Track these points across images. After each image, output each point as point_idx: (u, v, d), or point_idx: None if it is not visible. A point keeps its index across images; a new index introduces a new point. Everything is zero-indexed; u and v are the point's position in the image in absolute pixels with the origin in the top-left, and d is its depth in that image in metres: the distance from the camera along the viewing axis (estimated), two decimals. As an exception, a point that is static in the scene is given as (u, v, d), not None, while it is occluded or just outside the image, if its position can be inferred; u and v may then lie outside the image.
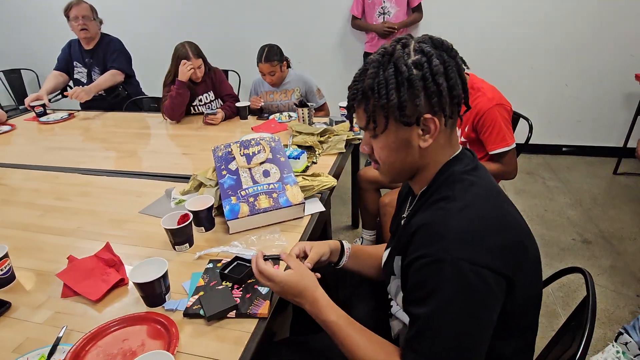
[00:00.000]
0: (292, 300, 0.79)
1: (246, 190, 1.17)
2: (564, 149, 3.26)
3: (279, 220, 1.17)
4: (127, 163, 1.74)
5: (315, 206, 1.25)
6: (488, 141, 1.60)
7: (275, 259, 0.88)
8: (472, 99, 1.59)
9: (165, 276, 0.86)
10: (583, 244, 2.18)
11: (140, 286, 0.85)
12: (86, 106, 2.73)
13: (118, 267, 1.00)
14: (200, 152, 1.81)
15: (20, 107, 3.79)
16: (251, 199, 1.15)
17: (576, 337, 0.74)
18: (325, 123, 2.00)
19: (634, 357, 1.36)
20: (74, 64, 2.74)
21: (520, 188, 2.81)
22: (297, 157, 1.47)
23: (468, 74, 1.63)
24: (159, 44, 3.57)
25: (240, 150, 1.28)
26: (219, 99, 2.40)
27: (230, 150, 1.29)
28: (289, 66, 2.35)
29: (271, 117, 2.20)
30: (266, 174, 1.22)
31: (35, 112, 2.49)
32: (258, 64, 2.21)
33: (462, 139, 1.69)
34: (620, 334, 1.43)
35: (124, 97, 2.75)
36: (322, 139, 1.71)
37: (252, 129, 2.06)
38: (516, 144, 1.62)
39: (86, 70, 2.73)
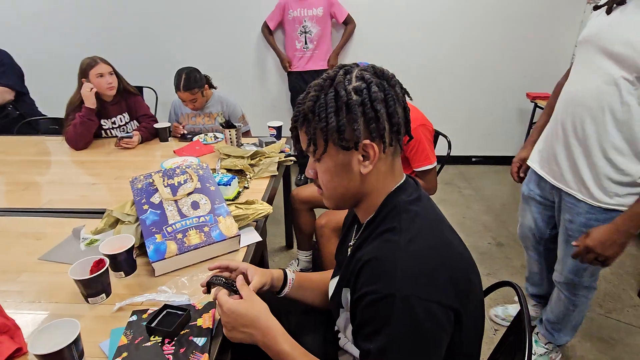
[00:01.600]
0: (242, 331, 0.74)
1: (173, 226, 1.05)
2: (473, 159, 3.59)
3: (213, 255, 1.07)
4: (20, 198, 1.48)
5: (251, 236, 1.17)
6: (413, 159, 1.68)
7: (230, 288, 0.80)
8: None
9: (76, 341, 0.72)
10: (497, 247, 2.39)
11: (44, 358, 0.70)
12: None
13: (12, 333, 0.82)
14: (113, 181, 1.62)
15: None
16: (179, 236, 1.03)
17: (516, 353, 0.77)
18: (254, 144, 1.93)
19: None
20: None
21: (442, 198, 3.01)
22: (227, 184, 1.38)
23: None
24: (62, 58, 3.20)
25: (164, 181, 1.16)
26: (135, 121, 2.19)
27: (151, 181, 1.16)
28: (211, 86, 2.24)
29: (195, 138, 2.07)
30: (195, 205, 1.12)
31: None
32: (176, 91, 2.06)
33: None
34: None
35: (15, 118, 2.38)
36: (253, 161, 1.64)
37: (174, 152, 1.91)
38: (438, 157, 1.73)
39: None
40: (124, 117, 2.15)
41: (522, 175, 1.49)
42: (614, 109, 0.99)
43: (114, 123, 2.12)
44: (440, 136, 1.98)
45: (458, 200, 2.98)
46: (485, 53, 3.20)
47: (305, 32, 2.97)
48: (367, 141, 0.66)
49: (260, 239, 1.17)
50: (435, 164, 1.71)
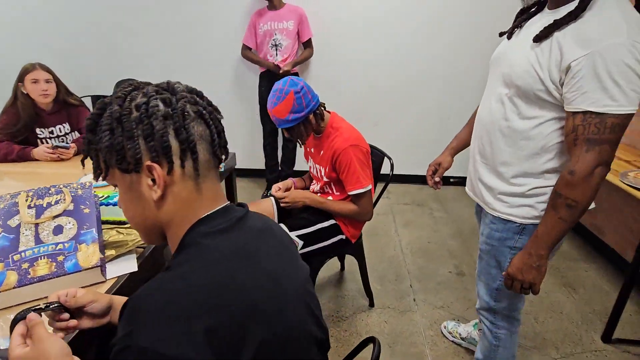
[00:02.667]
0: None
1: (22, 254, 0.94)
2: (451, 179, 3.43)
3: (70, 288, 0.95)
4: None
5: (127, 266, 1.06)
6: (346, 182, 1.57)
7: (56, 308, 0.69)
8: (330, 138, 1.58)
9: None
10: (458, 276, 2.23)
11: None
12: None
13: None
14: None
15: None
16: (25, 265, 0.92)
17: None
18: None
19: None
20: None
21: (409, 220, 2.86)
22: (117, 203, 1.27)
23: (329, 112, 1.60)
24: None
25: (31, 201, 1.05)
26: (77, 132, 2.11)
27: (17, 200, 1.05)
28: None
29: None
30: (58, 230, 1.01)
31: None
32: None
33: (325, 179, 1.64)
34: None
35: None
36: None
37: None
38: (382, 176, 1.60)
39: None
40: (63, 127, 2.07)
41: (437, 179, 1.48)
42: (501, 125, 1.05)
43: (51, 132, 2.04)
44: (384, 157, 1.85)
45: (426, 223, 2.82)
46: (464, 69, 3.08)
47: (276, 45, 2.90)
48: (149, 162, 0.57)
49: (136, 269, 1.05)
50: (370, 187, 1.58)
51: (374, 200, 1.74)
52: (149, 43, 3.27)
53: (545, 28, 0.91)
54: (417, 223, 2.83)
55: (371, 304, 1.99)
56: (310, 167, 1.76)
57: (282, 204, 1.66)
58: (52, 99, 1.96)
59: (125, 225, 1.17)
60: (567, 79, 0.87)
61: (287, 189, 1.72)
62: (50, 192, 1.09)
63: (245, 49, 3.02)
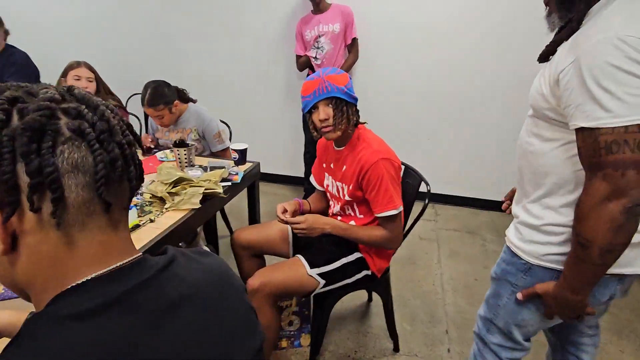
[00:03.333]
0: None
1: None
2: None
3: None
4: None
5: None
6: (375, 202, 1.33)
7: None
8: (357, 151, 1.36)
9: None
10: (507, 327, 1.86)
11: None
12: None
13: None
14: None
15: None
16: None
17: None
18: (203, 167, 1.70)
19: None
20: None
21: (456, 250, 2.52)
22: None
23: (362, 124, 1.39)
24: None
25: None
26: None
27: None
28: (186, 100, 2.09)
29: (159, 153, 1.92)
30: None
31: None
32: (142, 106, 1.93)
33: (347, 198, 1.42)
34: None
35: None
36: (174, 189, 1.41)
37: (123, 167, 1.77)
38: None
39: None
40: (99, 124, 2.08)
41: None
42: (525, 147, 0.95)
43: (87, 130, 2.06)
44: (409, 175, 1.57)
45: (476, 256, 2.46)
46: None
47: (317, 48, 2.74)
48: None
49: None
50: (401, 208, 1.34)
51: (405, 224, 1.51)
52: (197, 51, 3.29)
53: (547, 45, 0.85)
54: (465, 254, 2.47)
55: (396, 349, 1.72)
56: (327, 186, 1.55)
57: (297, 233, 1.39)
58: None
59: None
60: (560, 92, 0.78)
61: (294, 213, 1.49)
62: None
63: (298, 58, 2.90)
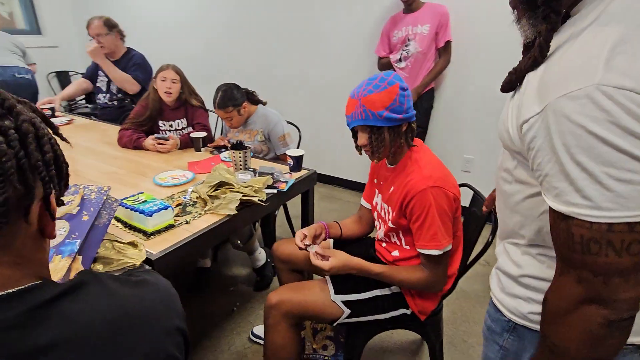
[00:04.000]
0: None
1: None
2: None
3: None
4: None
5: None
6: (417, 235, 1.14)
7: None
8: (406, 172, 1.17)
9: None
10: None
11: None
12: (102, 113, 2.87)
13: None
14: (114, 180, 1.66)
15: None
16: None
17: None
18: (253, 172, 1.67)
19: None
20: (98, 73, 2.90)
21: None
22: (150, 213, 1.19)
23: (415, 143, 1.20)
24: (189, 61, 3.69)
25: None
26: (192, 127, 2.26)
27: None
28: (256, 102, 2.10)
29: (224, 153, 1.98)
30: (50, 234, 0.98)
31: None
32: (214, 107, 2.01)
33: (391, 225, 1.24)
34: None
35: (130, 110, 2.82)
36: (215, 192, 1.41)
37: (187, 164, 1.85)
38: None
39: (106, 80, 2.86)
40: (181, 121, 2.24)
41: None
42: (498, 183, 0.73)
43: (171, 126, 2.23)
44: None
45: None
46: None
47: (404, 51, 2.53)
48: None
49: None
50: (448, 248, 1.12)
51: (468, 257, 1.29)
52: (281, 54, 3.35)
53: (510, 71, 0.62)
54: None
55: (441, 403, 1.47)
56: (375, 204, 1.37)
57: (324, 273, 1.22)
58: (174, 97, 2.14)
59: (124, 241, 1.08)
60: (525, 148, 0.57)
61: (316, 238, 1.33)
62: (70, 190, 1.09)
63: (380, 60, 2.75)
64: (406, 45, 2.51)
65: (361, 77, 3.07)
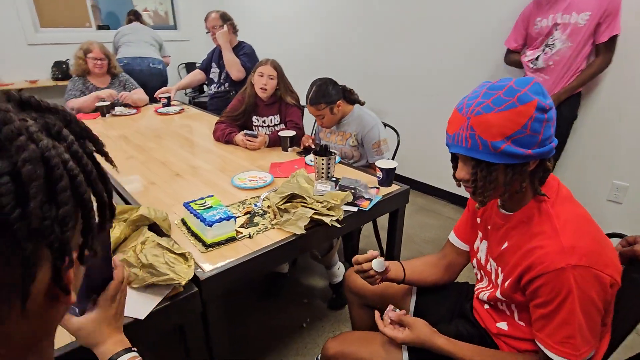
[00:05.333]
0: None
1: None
2: None
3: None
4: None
5: (144, 306, 0.87)
6: (539, 324, 0.78)
7: None
8: (531, 233, 0.81)
9: None
10: None
11: None
12: (210, 103, 3.01)
13: None
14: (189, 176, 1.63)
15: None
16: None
17: None
18: (334, 182, 1.46)
19: None
20: (212, 65, 3.04)
21: None
22: (210, 223, 1.08)
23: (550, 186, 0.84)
24: (296, 55, 3.64)
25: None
26: (284, 125, 2.17)
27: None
28: (353, 102, 1.88)
29: (307, 156, 1.82)
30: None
31: (162, 103, 2.88)
32: (305, 103, 1.84)
33: (499, 296, 0.90)
34: None
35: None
36: (285, 205, 1.23)
37: (270, 164, 1.74)
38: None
39: (218, 71, 2.98)
40: (275, 118, 2.16)
41: None
42: None
43: (264, 122, 2.16)
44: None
45: None
46: None
47: (546, 46, 2.01)
48: None
49: (142, 317, 0.84)
50: (591, 355, 0.74)
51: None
52: (383, 46, 3.03)
53: None
54: None
55: None
56: (476, 249, 1.03)
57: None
58: (269, 93, 2.06)
59: (176, 252, 0.97)
60: None
61: (366, 272, 1.01)
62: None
63: (509, 53, 2.27)
64: (550, 39, 1.99)
65: (480, 74, 2.65)
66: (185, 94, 4.89)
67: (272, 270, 2.04)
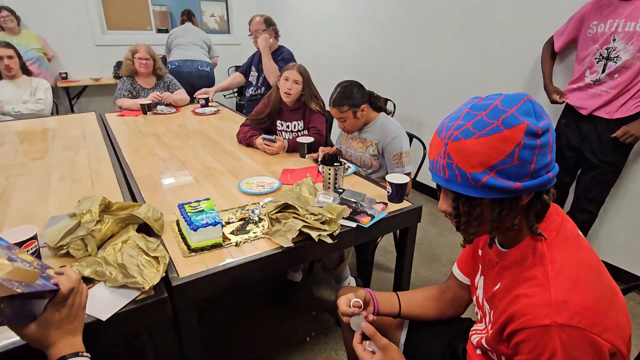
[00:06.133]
0: None
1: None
2: None
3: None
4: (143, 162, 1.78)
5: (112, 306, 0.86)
6: None
7: None
8: (521, 278, 0.69)
9: None
10: None
11: None
12: (247, 105, 3.06)
13: None
14: (207, 169, 1.64)
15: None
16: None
17: None
18: (338, 194, 1.38)
19: None
20: (251, 68, 3.09)
21: None
22: (196, 227, 1.06)
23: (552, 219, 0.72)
24: (332, 60, 3.57)
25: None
26: (307, 131, 2.12)
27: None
28: (379, 109, 1.78)
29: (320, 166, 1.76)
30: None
31: (200, 104, 2.98)
32: (329, 104, 1.78)
33: (485, 345, 0.78)
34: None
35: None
36: (280, 214, 1.18)
37: (282, 170, 1.70)
38: None
39: (257, 75, 3.02)
40: (298, 123, 2.12)
41: None
42: None
43: (287, 127, 2.14)
44: None
45: None
46: None
47: (607, 59, 1.77)
48: None
49: (104, 317, 0.84)
50: None
51: None
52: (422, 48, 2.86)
53: None
54: None
55: None
56: (476, 285, 0.89)
57: None
58: (293, 99, 2.04)
59: (151, 254, 0.96)
60: None
61: (358, 307, 0.89)
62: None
63: (549, 44, 2.05)
64: (608, 50, 1.76)
65: (518, 83, 2.41)
66: (225, 97, 5.04)
67: (285, 278, 2.00)
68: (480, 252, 0.89)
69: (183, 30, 4.00)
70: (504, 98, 0.63)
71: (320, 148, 1.83)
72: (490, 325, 0.78)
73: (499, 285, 0.75)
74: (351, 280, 1.83)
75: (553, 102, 2.02)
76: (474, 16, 2.57)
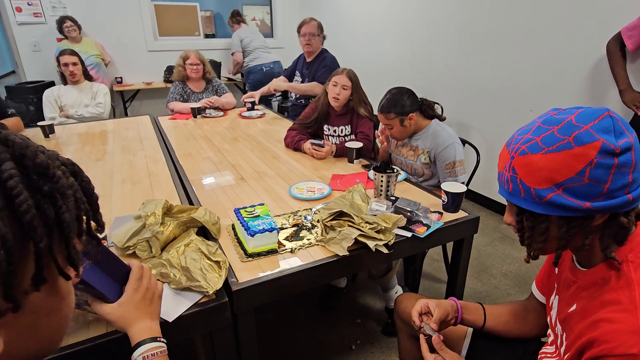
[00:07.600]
0: None
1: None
2: None
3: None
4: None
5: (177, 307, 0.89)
6: None
7: None
8: (601, 300, 0.64)
9: None
10: None
11: None
12: (291, 109, 3.09)
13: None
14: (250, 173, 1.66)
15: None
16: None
17: None
18: (391, 203, 1.34)
19: None
20: (295, 73, 3.11)
21: None
22: (253, 233, 1.07)
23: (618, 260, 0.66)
24: (381, 66, 3.52)
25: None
26: (354, 136, 2.11)
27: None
28: (431, 117, 1.73)
29: (370, 171, 1.73)
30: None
31: (246, 107, 3.04)
32: (377, 110, 1.75)
33: None
34: None
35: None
36: (332, 222, 1.17)
37: (332, 176, 1.69)
38: None
39: (300, 80, 3.04)
40: (345, 128, 2.11)
41: None
42: None
43: (334, 132, 2.13)
44: None
45: None
46: None
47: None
48: None
49: (170, 319, 0.86)
50: None
51: None
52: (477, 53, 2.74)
53: None
54: None
55: None
56: (551, 304, 0.84)
57: None
58: (341, 104, 2.03)
59: (213, 259, 0.98)
60: None
61: (444, 322, 0.90)
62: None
63: (617, 41, 1.90)
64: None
65: (582, 91, 2.25)
66: (269, 99, 5.12)
67: (329, 284, 1.99)
68: (557, 270, 0.84)
69: (253, 33, 4.20)
70: (581, 113, 0.60)
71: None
72: (562, 348, 0.73)
73: (574, 306, 0.70)
74: (399, 290, 1.78)
75: (636, 114, 1.86)
76: (529, 24, 2.44)
